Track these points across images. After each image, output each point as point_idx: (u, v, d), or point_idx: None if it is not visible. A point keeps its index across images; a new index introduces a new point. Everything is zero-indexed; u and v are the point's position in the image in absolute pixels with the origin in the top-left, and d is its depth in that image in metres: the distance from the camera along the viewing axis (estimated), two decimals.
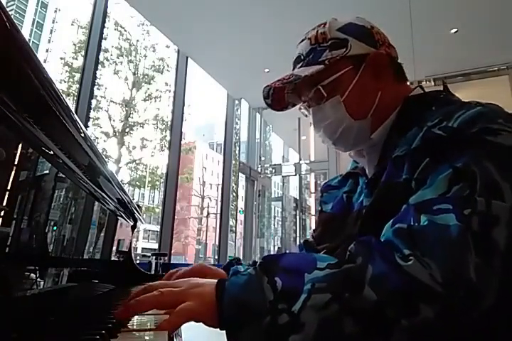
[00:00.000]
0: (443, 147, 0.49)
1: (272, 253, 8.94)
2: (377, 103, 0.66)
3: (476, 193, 0.43)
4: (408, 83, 0.73)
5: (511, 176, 0.44)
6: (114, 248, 1.01)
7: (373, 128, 0.67)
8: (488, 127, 0.47)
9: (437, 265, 0.39)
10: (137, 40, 13.69)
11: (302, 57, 0.69)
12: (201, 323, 0.45)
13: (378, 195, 0.59)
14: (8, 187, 0.40)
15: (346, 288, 0.40)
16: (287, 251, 0.91)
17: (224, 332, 0.43)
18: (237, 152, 7.18)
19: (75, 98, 4.15)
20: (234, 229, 7.46)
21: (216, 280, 0.46)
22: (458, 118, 0.50)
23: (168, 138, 6.86)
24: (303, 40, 0.70)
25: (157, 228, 6.66)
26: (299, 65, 0.69)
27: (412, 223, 0.45)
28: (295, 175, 8.28)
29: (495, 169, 0.44)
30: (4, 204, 0.39)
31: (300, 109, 0.75)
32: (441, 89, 0.67)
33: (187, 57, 5.62)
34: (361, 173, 0.73)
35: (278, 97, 0.73)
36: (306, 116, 0.74)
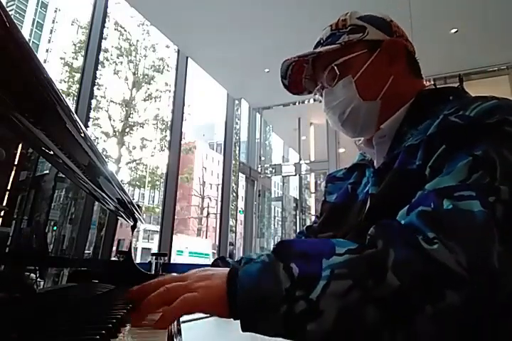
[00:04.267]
0: (460, 135, 0.49)
1: None
2: (388, 87, 0.67)
3: (497, 181, 0.43)
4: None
5: None
6: (114, 248, 1.01)
7: (383, 116, 0.68)
8: (506, 118, 0.48)
9: (463, 250, 0.38)
10: (137, 40, 13.70)
11: (322, 41, 0.73)
12: (201, 324, 0.44)
13: (389, 182, 0.59)
14: (8, 187, 0.40)
15: (368, 274, 0.39)
16: None
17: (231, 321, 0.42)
18: (237, 152, 7.18)
19: (75, 98, 4.15)
20: (234, 229, 7.46)
21: (227, 270, 0.45)
22: (475, 108, 0.51)
23: (168, 138, 6.86)
24: (325, 29, 0.74)
25: (157, 228, 6.66)
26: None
27: (433, 207, 0.43)
28: (295, 175, 8.28)
29: None
30: (4, 204, 0.39)
31: (315, 94, 0.77)
32: (461, 83, 0.68)
33: (187, 57, 5.61)
34: (369, 165, 0.73)
35: (295, 80, 0.76)
36: (320, 101, 0.76)
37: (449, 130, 0.51)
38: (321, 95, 0.75)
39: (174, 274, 0.50)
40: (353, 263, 0.40)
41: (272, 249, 0.45)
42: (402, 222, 0.46)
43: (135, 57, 13.71)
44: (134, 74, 13.60)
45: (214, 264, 0.79)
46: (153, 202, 18.35)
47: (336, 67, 0.68)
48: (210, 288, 0.43)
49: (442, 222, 0.42)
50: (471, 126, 0.49)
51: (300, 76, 0.75)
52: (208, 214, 22.05)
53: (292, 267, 0.41)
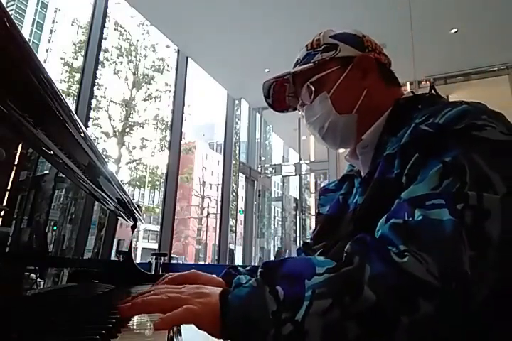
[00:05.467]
0: (430, 142, 0.51)
1: (271, 253, 8.95)
2: (362, 99, 0.70)
3: (466, 186, 0.44)
4: (403, 88, 0.76)
5: (500, 167, 0.45)
6: (114, 248, 1.01)
7: (361, 127, 0.70)
8: (473, 123, 0.49)
9: (433, 259, 0.40)
10: (137, 40, 13.71)
11: (299, 61, 0.76)
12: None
13: (371, 191, 0.61)
14: (8, 187, 0.40)
15: (346, 291, 0.41)
16: (287, 251, 0.92)
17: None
18: (237, 152, 7.18)
19: (75, 98, 4.15)
20: (234, 229, 7.45)
21: (219, 290, 0.47)
22: (444, 115, 0.52)
23: (168, 138, 6.86)
24: (302, 49, 0.78)
25: (157, 228, 6.65)
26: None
27: (406, 218, 0.45)
28: (295, 175, 8.27)
29: (483, 162, 0.46)
30: (4, 204, 0.39)
31: (299, 111, 0.80)
32: (431, 90, 0.70)
33: (187, 57, 5.61)
34: (357, 175, 0.75)
35: (279, 98, 0.80)
36: (303, 116, 0.79)
37: (420, 138, 0.53)
38: (303, 111, 0.78)
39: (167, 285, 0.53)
40: (331, 281, 0.42)
41: (259, 271, 0.47)
42: (379, 232, 0.48)
43: (135, 57, 13.72)
44: (134, 74, 13.60)
45: (226, 272, 0.79)
46: (153, 202, 18.36)
47: (311, 85, 0.72)
48: (209, 306, 0.44)
49: (412, 233, 0.43)
50: (440, 133, 0.51)
51: (283, 94, 0.79)
52: (208, 214, 22.05)
53: (278, 290, 0.43)
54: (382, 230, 0.47)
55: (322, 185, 0.93)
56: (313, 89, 0.71)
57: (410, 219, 0.45)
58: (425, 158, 0.50)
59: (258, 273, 0.47)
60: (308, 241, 0.90)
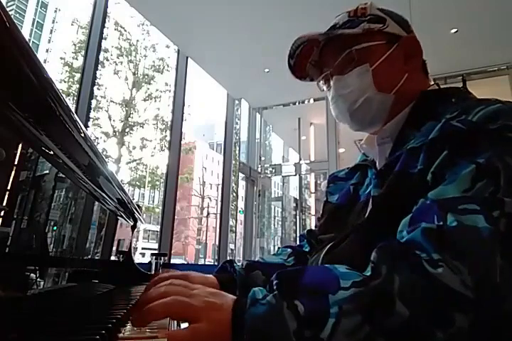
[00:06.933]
0: (462, 141, 0.48)
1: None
2: (402, 83, 0.66)
3: (500, 191, 0.42)
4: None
5: None
6: (114, 248, 1.01)
7: (392, 113, 0.66)
8: (508, 124, 0.47)
9: (468, 270, 0.37)
10: (137, 40, 13.71)
11: (338, 26, 0.69)
12: None
13: (390, 185, 0.58)
14: (8, 187, 0.40)
15: (376, 307, 0.37)
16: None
17: None
18: (237, 152, 7.17)
19: (75, 98, 4.15)
20: (234, 229, 7.45)
21: (232, 306, 0.41)
22: (478, 112, 0.50)
23: (168, 138, 6.86)
24: (339, 15, 0.71)
25: (157, 228, 6.65)
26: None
27: (437, 222, 0.42)
28: (295, 175, 8.27)
29: None
30: (4, 204, 0.39)
31: (319, 81, 0.75)
32: (459, 86, 0.67)
33: (187, 57, 5.61)
34: (371, 165, 0.72)
35: (301, 62, 0.73)
36: (323, 90, 0.74)
37: (452, 135, 0.50)
38: (325, 82, 0.73)
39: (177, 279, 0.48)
40: (360, 296, 0.38)
41: (274, 283, 0.42)
42: (404, 233, 0.46)
43: (135, 57, 13.71)
44: (134, 74, 13.59)
45: (223, 266, 0.78)
46: (153, 202, 18.36)
47: (354, 53, 0.65)
48: (218, 324, 0.40)
49: (447, 241, 0.40)
50: (473, 131, 0.48)
51: (306, 60, 0.72)
52: (208, 214, 22.04)
53: (297, 305, 0.38)
54: (413, 235, 0.43)
55: (330, 173, 0.88)
56: (356, 58, 0.65)
57: (442, 223, 0.42)
58: (455, 156, 0.47)
59: (274, 286, 0.42)
60: (313, 228, 0.88)
